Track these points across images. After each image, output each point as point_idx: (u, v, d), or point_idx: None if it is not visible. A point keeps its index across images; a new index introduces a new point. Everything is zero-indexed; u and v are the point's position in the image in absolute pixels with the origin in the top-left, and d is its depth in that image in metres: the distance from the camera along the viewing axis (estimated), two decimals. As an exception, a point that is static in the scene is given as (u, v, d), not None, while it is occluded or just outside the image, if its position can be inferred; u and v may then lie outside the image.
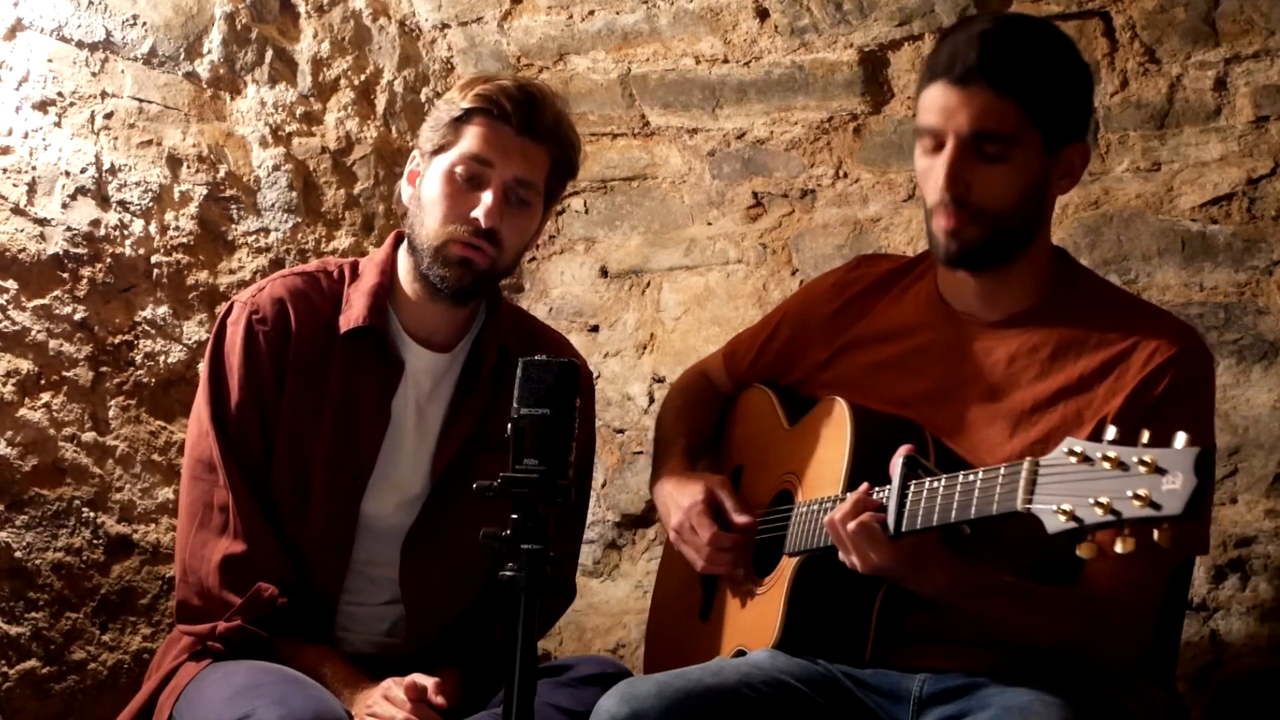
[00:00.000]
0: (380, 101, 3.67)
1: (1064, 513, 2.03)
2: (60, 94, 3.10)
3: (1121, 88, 3.20)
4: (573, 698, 2.59)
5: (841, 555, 2.35)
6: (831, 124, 3.50)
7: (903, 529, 2.28)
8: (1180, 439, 1.98)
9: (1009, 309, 2.54)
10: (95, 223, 3.12)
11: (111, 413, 3.13)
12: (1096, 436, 2.08)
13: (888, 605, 2.45)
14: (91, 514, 3.07)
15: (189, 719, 2.56)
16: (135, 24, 3.22)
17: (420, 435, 2.74)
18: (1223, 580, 3.12)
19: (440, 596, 2.73)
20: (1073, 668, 2.39)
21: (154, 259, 3.21)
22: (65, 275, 3.07)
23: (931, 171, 2.45)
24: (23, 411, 2.99)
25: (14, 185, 3.01)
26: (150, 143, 3.23)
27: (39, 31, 3.07)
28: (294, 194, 3.46)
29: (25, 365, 2.99)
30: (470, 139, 2.67)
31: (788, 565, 2.54)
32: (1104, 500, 1.99)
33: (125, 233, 3.16)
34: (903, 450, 2.31)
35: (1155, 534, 1.97)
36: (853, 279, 2.75)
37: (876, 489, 2.33)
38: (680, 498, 2.72)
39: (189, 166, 3.28)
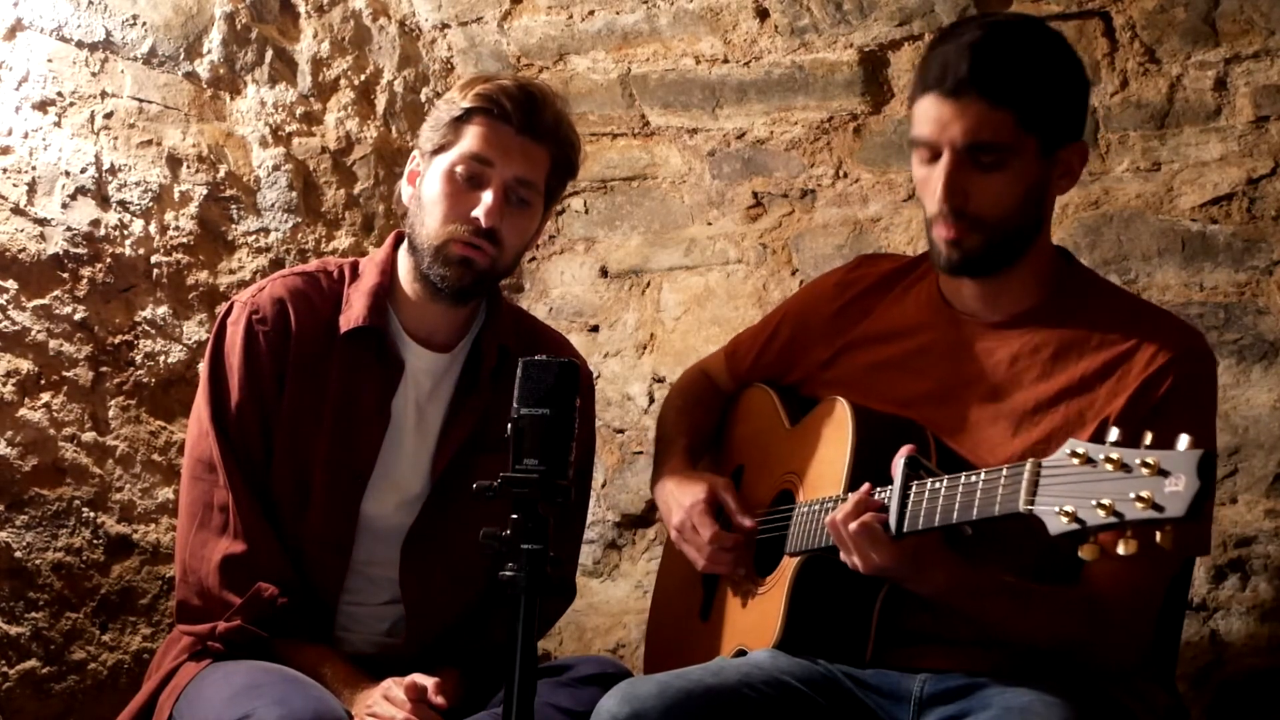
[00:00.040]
0: (380, 101, 3.67)
1: (1066, 514, 2.03)
2: (60, 94, 3.09)
3: (1121, 88, 3.20)
4: (573, 698, 2.59)
5: (843, 555, 2.35)
6: (831, 124, 3.50)
7: (904, 529, 2.27)
8: (1183, 441, 1.98)
9: (1011, 309, 2.53)
10: (95, 223, 3.11)
11: (111, 413, 3.12)
12: (1098, 437, 2.08)
13: (888, 605, 2.44)
14: (91, 514, 3.07)
15: (189, 719, 2.56)
16: (135, 24, 3.21)
17: (420, 435, 2.74)
18: (1223, 580, 3.12)
19: (440, 596, 2.73)
20: (1073, 668, 2.39)
21: (154, 259, 3.21)
22: (65, 275, 3.06)
23: (929, 182, 2.45)
24: (23, 411, 2.98)
25: (14, 185, 3.01)
26: (150, 143, 3.22)
27: (39, 31, 3.07)
28: (294, 194, 3.45)
29: (25, 365, 2.99)
30: (470, 138, 2.67)
31: (789, 565, 2.54)
32: (1106, 502, 1.99)
33: (125, 233, 3.16)
34: (904, 450, 2.31)
35: (1157, 536, 1.98)
36: (854, 279, 2.75)
37: (878, 489, 2.33)
38: (682, 496, 2.72)
39: (189, 166, 3.28)
